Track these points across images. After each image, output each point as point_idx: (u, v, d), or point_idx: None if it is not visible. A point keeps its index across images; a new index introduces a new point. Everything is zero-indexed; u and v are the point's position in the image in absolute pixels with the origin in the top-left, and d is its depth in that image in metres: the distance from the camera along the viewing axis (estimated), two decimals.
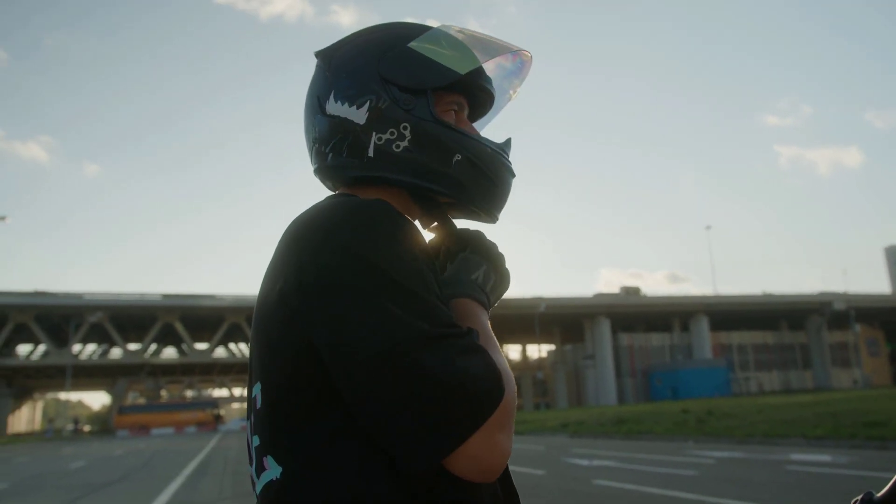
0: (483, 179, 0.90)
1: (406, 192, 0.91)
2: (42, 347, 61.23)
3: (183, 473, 14.64)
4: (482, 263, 0.90)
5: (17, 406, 75.13)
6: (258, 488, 0.79)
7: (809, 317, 68.57)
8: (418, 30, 0.93)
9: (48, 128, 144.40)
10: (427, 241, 0.87)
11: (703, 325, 65.80)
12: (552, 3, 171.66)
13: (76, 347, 61.87)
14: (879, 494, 0.79)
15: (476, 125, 1.01)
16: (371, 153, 0.87)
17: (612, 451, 15.49)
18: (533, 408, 69.23)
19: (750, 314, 68.98)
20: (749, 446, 14.67)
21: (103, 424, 79.62)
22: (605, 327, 63.93)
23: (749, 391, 62.83)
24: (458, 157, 0.88)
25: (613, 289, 74.82)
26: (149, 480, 13.90)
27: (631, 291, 69.99)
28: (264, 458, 0.77)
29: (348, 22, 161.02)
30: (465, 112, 0.96)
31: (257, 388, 0.79)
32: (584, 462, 13.16)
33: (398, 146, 0.86)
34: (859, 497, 0.79)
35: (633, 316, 67.81)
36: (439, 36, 0.92)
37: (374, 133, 0.86)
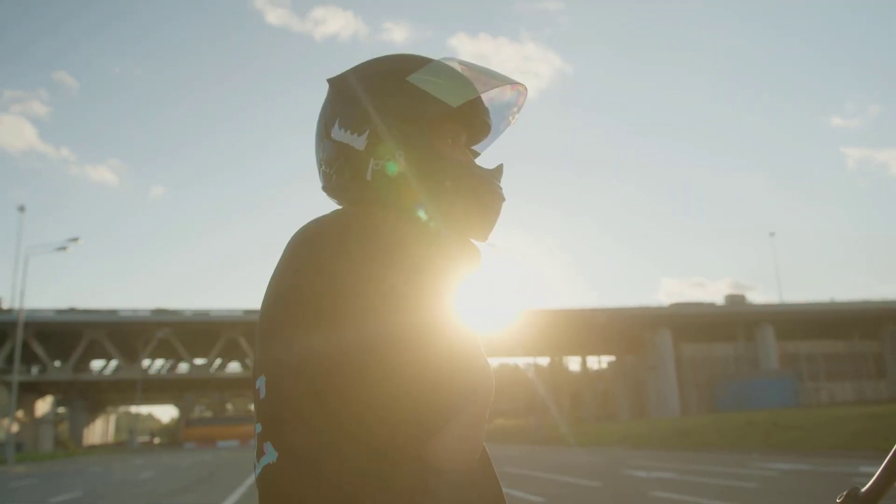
0: (471, 204, 0.97)
1: (401, 213, 0.98)
2: (114, 363, 63.53)
3: (245, 483, 15.00)
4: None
5: (92, 419, 77.92)
6: (257, 472, 0.84)
7: (883, 325, 65.75)
8: (419, 62, 1.00)
9: (116, 151, 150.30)
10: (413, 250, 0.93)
11: (769, 334, 63.75)
12: (605, 9, 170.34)
13: (145, 362, 63.96)
14: (864, 489, 0.81)
15: (478, 147, 1.10)
16: (369, 177, 0.96)
17: (673, 464, 15.20)
18: (594, 420, 68.21)
19: (818, 322, 66.51)
20: (816, 459, 14.18)
21: (172, 437, 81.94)
22: (666, 338, 62.61)
23: (819, 402, 60.56)
24: (448, 183, 0.96)
25: (675, 298, 73.23)
26: (212, 490, 14.31)
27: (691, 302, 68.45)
28: (264, 444, 0.84)
29: (401, 39, 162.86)
30: (463, 138, 1.04)
31: (261, 380, 0.86)
32: (643, 474, 12.96)
33: (393, 171, 0.95)
34: (844, 493, 0.81)
35: (695, 326, 66.23)
36: (438, 69, 1.00)
37: (372, 159, 0.95)
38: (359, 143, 0.96)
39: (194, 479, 17.50)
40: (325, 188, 1.03)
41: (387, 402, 0.80)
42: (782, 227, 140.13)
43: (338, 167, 0.98)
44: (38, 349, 55.54)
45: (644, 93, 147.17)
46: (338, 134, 0.98)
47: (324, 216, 0.93)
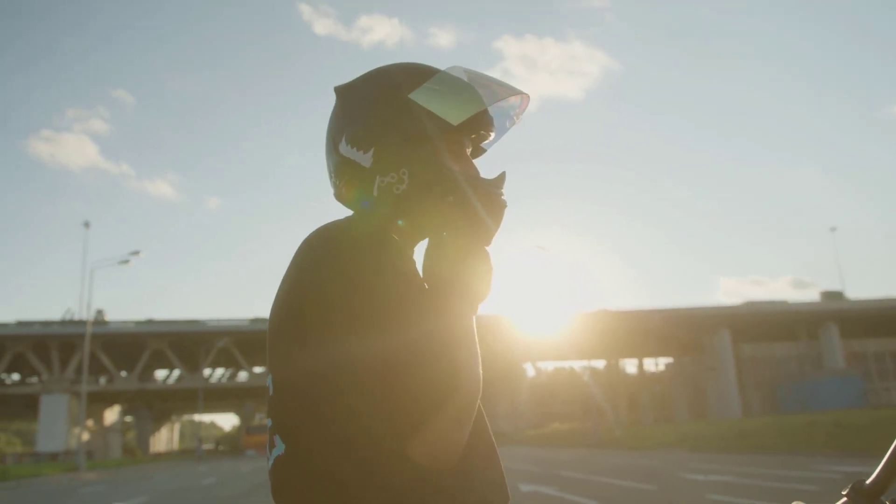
0: (474, 215, 1.01)
1: (407, 225, 1.04)
2: (177, 372, 65.38)
3: None
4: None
5: (157, 427, 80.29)
6: (269, 464, 0.95)
7: None
8: (425, 75, 1.03)
9: (173, 165, 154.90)
10: (411, 261, 1.00)
11: (833, 332, 61.67)
12: (652, 3, 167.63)
13: (206, 371, 65.62)
14: (869, 481, 0.81)
15: (486, 144, 1.16)
16: (375, 193, 1.01)
17: (732, 466, 14.89)
18: (651, 423, 67.06)
19: (886, 320, 64.06)
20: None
21: (233, 444, 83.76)
22: (725, 338, 61.19)
23: (891, 402, 58.22)
24: (450, 198, 1.00)
25: (733, 298, 71.45)
26: (270, 495, 14.62)
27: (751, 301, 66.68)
28: (274, 437, 0.94)
29: (446, 43, 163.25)
30: (468, 145, 1.09)
31: (269, 379, 0.96)
32: (700, 477, 12.74)
33: (398, 189, 1.00)
34: (850, 485, 0.81)
35: (755, 325, 64.54)
36: (443, 81, 1.02)
37: (377, 176, 1.00)
38: (365, 160, 1.00)
39: (253, 485, 17.90)
40: (336, 197, 1.08)
41: (374, 399, 0.86)
42: (844, 222, 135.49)
43: (346, 180, 1.03)
44: (106, 360, 57.54)
45: (695, 88, 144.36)
46: (345, 150, 1.02)
47: (334, 222, 0.98)
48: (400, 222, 1.02)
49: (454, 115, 1.00)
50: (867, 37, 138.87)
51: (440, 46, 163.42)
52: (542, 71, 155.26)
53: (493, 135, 1.15)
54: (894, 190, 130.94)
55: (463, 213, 1.00)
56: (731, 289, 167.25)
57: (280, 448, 0.93)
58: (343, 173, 1.04)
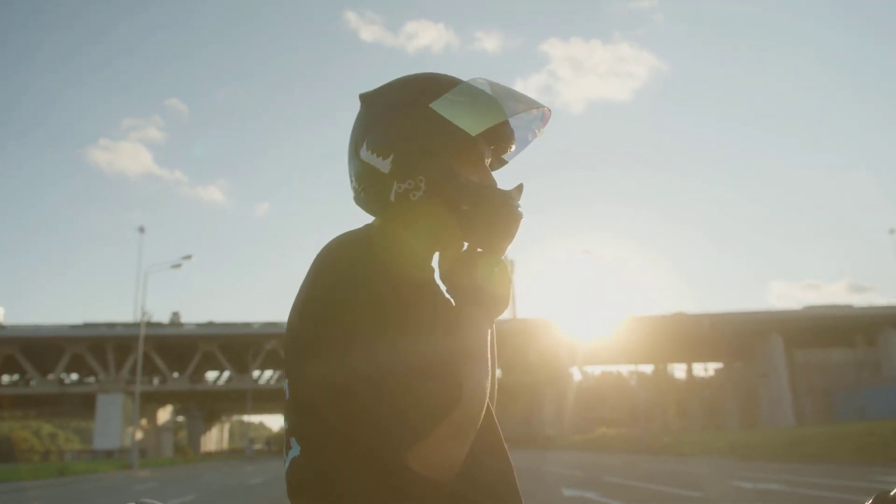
0: (488, 225, 1.03)
1: (423, 232, 1.06)
2: (226, 374, 66.68)
3: None
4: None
5: (208, 427, 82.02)
6: (286, 465, 0.98)
7: None
8: (446, 85, 1.05)
9: (224, 172, 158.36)
10: (419, 270, 1.03)
11: (893, 339, 59.50)
12: (701, 3, 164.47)
13: (255, 373, 66.78)
14: (893, 492, 0.80)
15: (507, 156, 1.19)
16: (392, 198, 1.03)
17: (783, 475, 14.52)
18: (700, 429, 65.73)
19: None
20: None
21: (281, 444, 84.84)
22: (777, 343, 59.56)
23: None
24: (465, 207, 1.02)
25: (787, 303, 69.67)
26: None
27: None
28: (290, 439, 0.98)
29: (492, 48, 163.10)
30: (488, 156, 1.11)
31: (286, 383, 0.99)
32: (748, 485, 12.45)
33: (414, 196, 1.01)
34: (873, 496, 0.80)
35: (809, 331, 62.72)
36: (464, 92, 1.04)
37: (395, 182, 1.02)
38: (384, 166, 1.02)
39: None
40: (355, 201, 1.10)
41: (378, 407, 0.87)
42: None
43: (365, 185, 1.05)
44: (159, 361, 59.05)
45: (746, 89, 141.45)
46: (365, 155, 1.04)
47: (350, 231, 1.01)
48: (415, 231, 1.04)
49: (474, 124, 1.01)
50: None
51: (486, 51, 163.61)
52: (589, 73, 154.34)
53: (513, 147, 1.17)
54: None
55: (477, 222, 1.02)
56: (783, 293, 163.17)
57: (296, 450, 0.96)
58: (362, 178, 1.05)
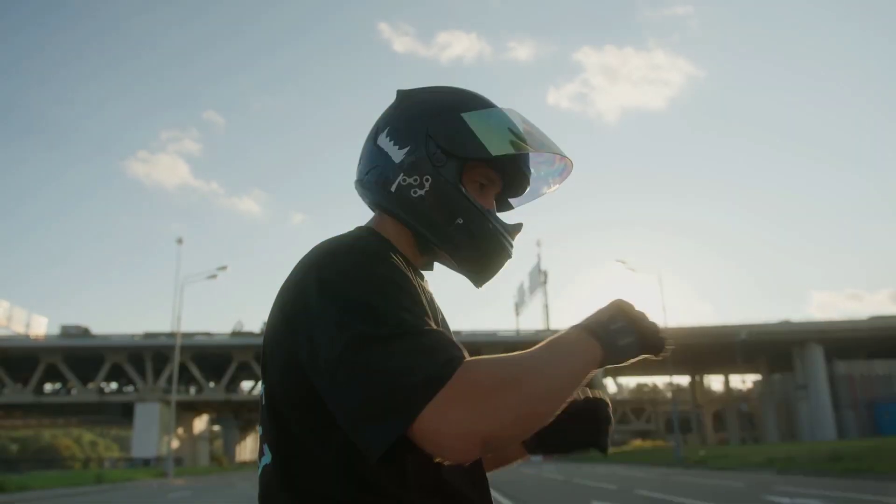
0: (475, 250, 1.03)
1: (411, 231, 1.05)
2: (260, 384, 67.34)
3: None
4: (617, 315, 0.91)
5: (243, 437, 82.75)
6: (259, 472, 0.97)
7: None
8: (480, 103, 1.06)
9: (259, 182, 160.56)
10: (407, 270, 0.96)
11: None
12: (738, 8, 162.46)
13: None
14: None
15: (515, 201, 1.17)
16: (393, 189, 1.02)
17: (822, 490, 14.12)
18: (739, 442, 64.46)
19: None
20: None
21: None
22: (817, 354, 58.19)
23: None
24: (459, 220, 1.02)
25: (829, 312, 68.14)
26: None
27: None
28: (263, 446, 0.96)
29: (525, 56, 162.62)
30: (496, 188, 1.10)
31: (262, 388, 0.98)
32: (786, 500, 12.13)
33: (415, 192, 1.01)
34: None
35: (850, 341, 61.17)
36: (494, 116, 1.05)
37: (402, 174, 1.02)
38: (397, 155, 1.03)
39: None
40: (357, 182, 1.10)
41: (353, 402, 0.81)
42: None
43: (371, 169, 1.06)
44: (195, 371, 59.88)
45: (785, 95, 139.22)
46: (382, 141, 1.05)
47: (333, 238, 0.98)
48: (402, 229, 1.04)
49: (497, 145, 1.01)
50: None
51: (519, 60, 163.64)
52: (623, 81, 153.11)
53: (525, 193, 1.16)
54: None
55: (465, 241, 1.02)
56: (825, 302, 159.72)
57: (268, 457, 0.94)
58: (372, 162, 1.06)
